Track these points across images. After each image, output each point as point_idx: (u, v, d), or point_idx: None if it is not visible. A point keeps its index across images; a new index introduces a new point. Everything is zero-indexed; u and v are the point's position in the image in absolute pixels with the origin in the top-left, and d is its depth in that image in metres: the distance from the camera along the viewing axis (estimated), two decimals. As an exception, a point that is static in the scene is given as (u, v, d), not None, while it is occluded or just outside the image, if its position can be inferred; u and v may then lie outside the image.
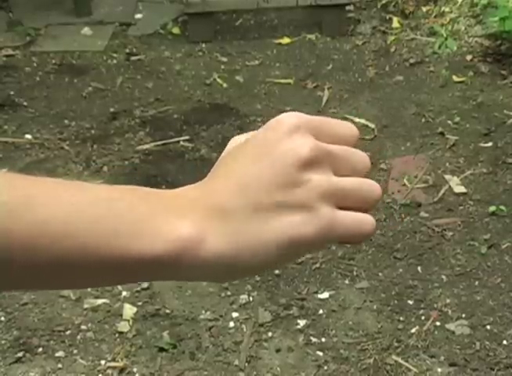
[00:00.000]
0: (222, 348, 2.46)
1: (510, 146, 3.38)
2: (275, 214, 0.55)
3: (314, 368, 2.39)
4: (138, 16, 4.64)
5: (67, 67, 4.14)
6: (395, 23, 4.42)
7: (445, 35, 4.23)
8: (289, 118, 0.57)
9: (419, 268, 2.75)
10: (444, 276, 2.71)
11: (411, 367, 2.38)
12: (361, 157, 0.60)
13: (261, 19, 4.59)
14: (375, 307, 2.60)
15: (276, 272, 2.74)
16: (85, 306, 2.61)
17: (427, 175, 3.21)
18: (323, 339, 2.48)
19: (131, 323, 2.55)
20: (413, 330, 2.50)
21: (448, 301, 2.61)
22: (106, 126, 3.62)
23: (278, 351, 2.45)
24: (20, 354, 2.45)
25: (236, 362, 2.41)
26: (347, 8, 4.48)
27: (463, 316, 2.56)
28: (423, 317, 2.55)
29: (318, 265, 2.76)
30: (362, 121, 3.56)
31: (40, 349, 2.47)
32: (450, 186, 3.14)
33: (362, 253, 2.82)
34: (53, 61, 4.19)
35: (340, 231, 0.57)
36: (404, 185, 3.16)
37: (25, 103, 3.81)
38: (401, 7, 4.51)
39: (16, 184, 0.53)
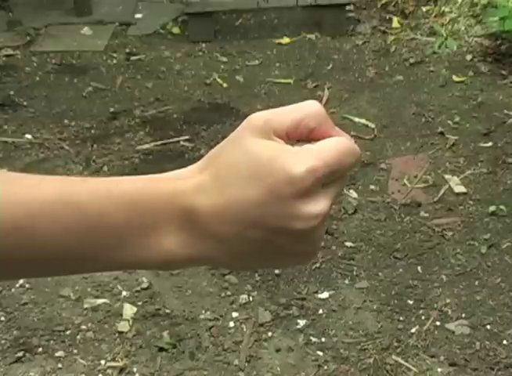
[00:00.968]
0: (222, 348, 2.46)
1: (510, 145, 3.38)
2: (277, 256, 0.58)
3: (314, 368, 2.39)
4: (138, 15, 4.64)
5: (67, 67, 4.14)
6: (395, 22, 4.42)
7: (445, 35, 4.23)
8: (256, 120, 0.56)
9: (419, 268, 2.75)
10: (444, 276, 2.71)
11: (411, 367, 2.38)
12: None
13: (261, 19, 4.60)
14: (375, 307, 2.59)
15: (276, 272, 2.74)
16: (85, 306, 2.61)
17: (427, 175, 3.21)
18: (323, 339, 2.48)
19: (131, 322, 2.54)
20: (413, 330, 2.50)
21: (448, 301, 2.61)
22: (106, 126, 3.62)
23: (278, 351, 2.44)
24: (20, 354, 2.44)
25: (236, 362, 2.41)
26: (347, 7, 4.48)
27: (463, 315, 2.55)
28: (423, 317, 2.55)
29: (318, 265, 2.76)
30: (362, 120, 3.56)
31: (40, 349, 2.47)
32: (450, 186, 3.14)
33: (362, 253, 2.82)
34: (53, 61, 4.18)
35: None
36: (404, 185, 3.16)
37: (25, 103, 3.81)
38: (401, 7, 4.51)
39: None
